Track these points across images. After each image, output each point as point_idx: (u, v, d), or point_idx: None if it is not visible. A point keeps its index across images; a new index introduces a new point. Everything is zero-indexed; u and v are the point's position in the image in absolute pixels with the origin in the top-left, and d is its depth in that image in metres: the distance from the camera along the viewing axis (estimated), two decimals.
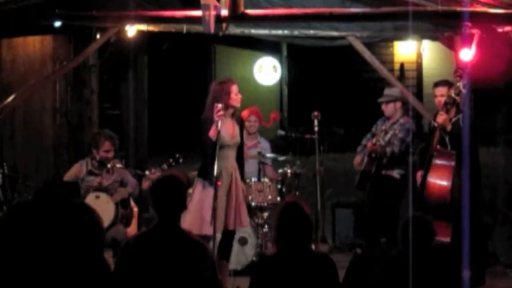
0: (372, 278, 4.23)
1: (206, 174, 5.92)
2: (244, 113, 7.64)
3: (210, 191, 5.82)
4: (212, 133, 5.83)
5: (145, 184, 6.72)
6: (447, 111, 6.32)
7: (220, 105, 5.81)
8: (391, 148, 7.05)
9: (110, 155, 6.68)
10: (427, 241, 4.19)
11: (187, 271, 3.82)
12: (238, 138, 6.16)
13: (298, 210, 3.99)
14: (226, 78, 6.21)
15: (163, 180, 4.06)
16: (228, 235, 6.14)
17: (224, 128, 5.94)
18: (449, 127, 6.26)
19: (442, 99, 6.41)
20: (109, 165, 6.70)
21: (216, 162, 5.72)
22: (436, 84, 6.67)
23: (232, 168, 6.08)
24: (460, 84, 6.15)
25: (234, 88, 6.03)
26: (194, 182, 6.18)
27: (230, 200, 6.03)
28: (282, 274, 3.91)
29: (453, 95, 6.19)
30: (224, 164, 5.98)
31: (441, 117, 6.27)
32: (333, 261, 4.07)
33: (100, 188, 6.60)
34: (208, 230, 5.81)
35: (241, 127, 6.30)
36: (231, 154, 6.10)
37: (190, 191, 6.33)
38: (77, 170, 6.74)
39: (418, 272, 3.94)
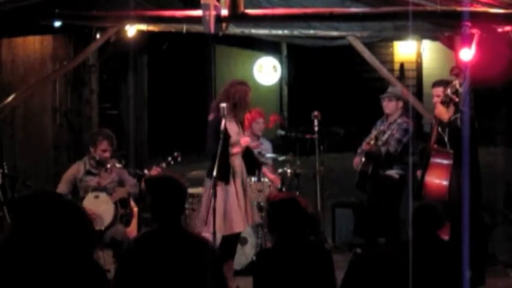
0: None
1: (221, 175, 5.92)
2: (253, 115, 7.65)
3: (230, 189, 5.98)
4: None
5: None
6: (446, 110, 6.32)
7: (225, 105, 5.84)
8: (386, 148, 7.06)
9: (107, 154, 6.65)
10: (435, 229, 4.23)
11: (190, 269, 3.82)
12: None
13: (287, 205, 4.13)
14: (245, 81, 6.33)
15: (163, 182, 4.04)
16: (233, 235, 6.20)
17: (232, 127, 6.05)
18: (446, 117, 6.24)
19: (439, 100, 6.42)
20: (108, 166, 6.69)
21: (217, 162, 5.76)
22: (433, 85, 6.70)
23: (241, 166, 6.19)
24: (456, 83, 6.15)
25: (250, 94, 6.20)
26: (205, 182, 6.24)
27: (246, 198, 6.17)
28: (281, 265, 4.02)
29: (450, 93, 6.19)
30: (234, 163, 6.11)
31: (438, 109, 6.27)
32: (328, 251, 4.29)
33: (99, 188, 6.59)
34: (239, 228, 6.07)
35: (243, 125, 6.43)
36: (239, 153, 6.20)
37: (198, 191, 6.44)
38: (75, 171, 6.73)
39: (424, 262, 3.98)
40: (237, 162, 6.16)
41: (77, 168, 6.73)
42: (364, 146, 7.11)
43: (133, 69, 10.41)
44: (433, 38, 7.96)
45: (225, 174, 5.97)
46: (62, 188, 6.67)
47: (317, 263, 4.08)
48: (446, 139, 6.33)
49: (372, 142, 6.97)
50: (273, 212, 4.15)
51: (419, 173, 6.43)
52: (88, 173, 6.70)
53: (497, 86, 7.81)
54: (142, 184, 6.76)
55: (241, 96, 6.07)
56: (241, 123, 6.30)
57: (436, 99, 6.51)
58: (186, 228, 4.23)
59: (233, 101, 6.02)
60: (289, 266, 4.02)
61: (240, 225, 6.09)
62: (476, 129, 6.35)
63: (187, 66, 13.32)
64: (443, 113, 6.23)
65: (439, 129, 6.34)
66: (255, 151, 7.65)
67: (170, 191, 3.95)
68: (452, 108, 6.37)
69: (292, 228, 4.07)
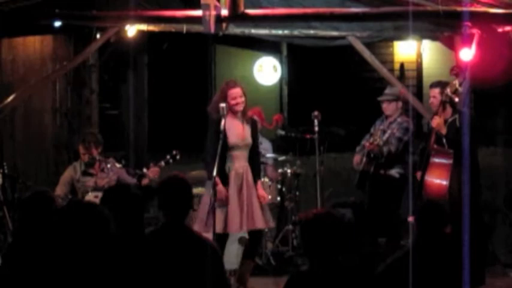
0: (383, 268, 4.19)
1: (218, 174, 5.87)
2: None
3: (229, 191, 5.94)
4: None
5: (145, 182, 6.74)
6: (444, 110, 6.33)
7: (223, 105, 5.83)
8: (388, 147, 7.05)
9: (92, 154, 6.71)
10: (440, 227, 4.18)
11: (192, 268, 3.83)
12: (249, 139, 6.14)
13: (324, 224, 3.64)
14: (231, 81, 6.20)
15: (171, 181, 4.07)
16: (256, 235, 6.18)
17: (233, 128, 5.97)
18: (444, 131, 6.27)
19: (435, 100, 6.46)
20: (108, 166, 6.73)
21: (216, 162, 5.74)
22: (431, 85, 6.72)
23: (242, 169, 6.07)
24: (456, 82, 6.15)
25: (232, 92, 6.02)
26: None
27: (242, 201, 6.02)
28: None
29: (449, 93, 6.19)
30: (233, 165, 6.02)
31: (435, 121, 6.29)
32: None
33: (98, 188, 6.61)
34: (232, 229, 6.00)
35: (254, 128, 6.26)
36: (242, 155, 6.09)
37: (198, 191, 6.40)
38: (72, 172, 6.81)
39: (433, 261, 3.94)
40: (237, 164, 6.08)
41: (74, 170, 6.80)
42: (367, 146, 7.10)
43: (133, 69, 10.41)
44: (433, 38, 7.95)
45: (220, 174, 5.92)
46: (61, 189, 6.70)
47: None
48: (444, 140, 6.34)
49: (375, 142, 6.97)
50: (307, 231, 3.66)
51: (419, 174, 6.43)
52: (85, 173, 6.76)
53: (497, 86, 7.81)
54: (142, 183, 6.78)
55: (219, 96, 6.05)
56: (246, 122, 6.22)
57: (432, 100, 6.54)
58: (189, 228, 4.23)
59: (217, 101, 6.01)
60: None
61: (240, 226, 6.04)
62: (476, 130, 6.35)
63: (187, 66, 13.30)
64: (442, 126, 6.26)
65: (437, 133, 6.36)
66: None
67: (177, 190, 4.00)
68: (450, 109, 6.38)
69: (329, 249, 3.59)
